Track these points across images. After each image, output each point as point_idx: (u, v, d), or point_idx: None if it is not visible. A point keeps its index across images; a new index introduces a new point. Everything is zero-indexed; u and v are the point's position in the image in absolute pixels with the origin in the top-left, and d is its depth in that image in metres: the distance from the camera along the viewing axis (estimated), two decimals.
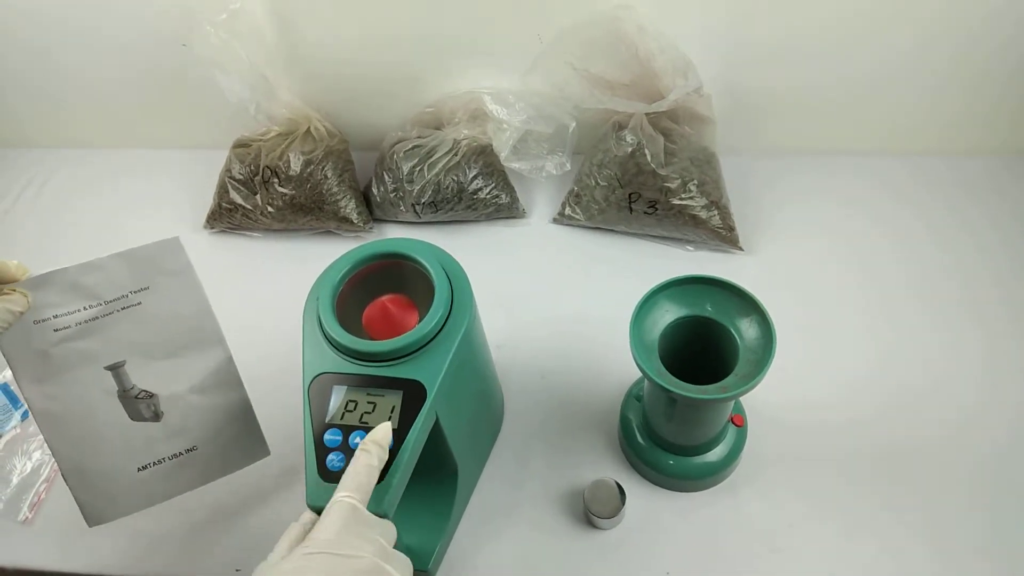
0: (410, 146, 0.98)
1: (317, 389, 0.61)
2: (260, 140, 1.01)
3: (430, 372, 0.61)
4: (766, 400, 0.78)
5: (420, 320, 0.62)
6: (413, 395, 0.60)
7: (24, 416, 0.87)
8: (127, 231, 1.06)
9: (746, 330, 0.64)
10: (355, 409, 0.60)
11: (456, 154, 0.97)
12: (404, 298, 0.65)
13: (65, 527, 0.79)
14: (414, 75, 1.01)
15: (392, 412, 0.60)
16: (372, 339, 0.62)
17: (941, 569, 0.70)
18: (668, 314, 0.66)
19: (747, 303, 0.65)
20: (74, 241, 1.07)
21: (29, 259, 1.02)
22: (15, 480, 0.82)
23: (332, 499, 0.53)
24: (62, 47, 1.05)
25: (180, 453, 0.67)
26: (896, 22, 0.89)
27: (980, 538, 0.71)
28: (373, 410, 0.60)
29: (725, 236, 0.93)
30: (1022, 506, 0.73)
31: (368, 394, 0.60)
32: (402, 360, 0.61)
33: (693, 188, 0.91)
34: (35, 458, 0.84)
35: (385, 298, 0.65)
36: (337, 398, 0.61)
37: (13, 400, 0.88)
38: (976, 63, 0.93)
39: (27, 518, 0.79)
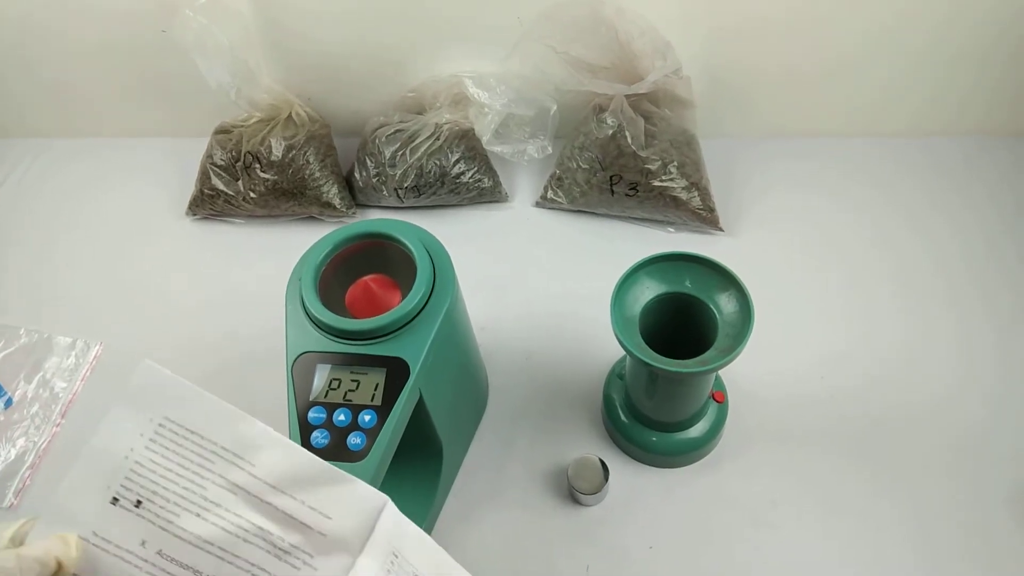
0: (392, 131, 0.98)
1: (301, 368, 0.62)
2: (241, 126, 1.00)
3: (413, 349, 0.61)
4: (746, 375, 0.80)
5: (403, 299, 0.63)
6: (396, 372, 0.60)
7: (8, 404, 0.87)
8: (110, 220, 1.06)
9: (724, 305, 0.65)
10: (339, 387, 0.61)
11: (438, 138, 0.97)
12: (386, 278, 0.66)
13: None
14: (396, 60, 1.01)
15: (375, 389, 0.60)
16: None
17: (921, 541, 0.71)
18: (648, 291, 0.67)
19: (725, 278, 0.65)
20: (57, 231, 1.06)
21: (15, 249, 1.03)
22: (0, 467, 0.82)
23: None
24: (39, 35, 1.04)
25: None
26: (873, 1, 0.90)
27: (957, 510, 0.73)
28: (357, 388, 0.60)
29: (705, 217, 0.94)
30: (996, 478, 0.74)
31: (352, 372, 0.61)
32: (385, 338, 0.61)
33: (673, 169, 0.92)
34: (19, 445, 0.84)
35: (367, 278, 0.65)
36: (321, 376, 0.61)
37: None
38: (952, 41, 0.93)
39: (12, 504, 0.80)
